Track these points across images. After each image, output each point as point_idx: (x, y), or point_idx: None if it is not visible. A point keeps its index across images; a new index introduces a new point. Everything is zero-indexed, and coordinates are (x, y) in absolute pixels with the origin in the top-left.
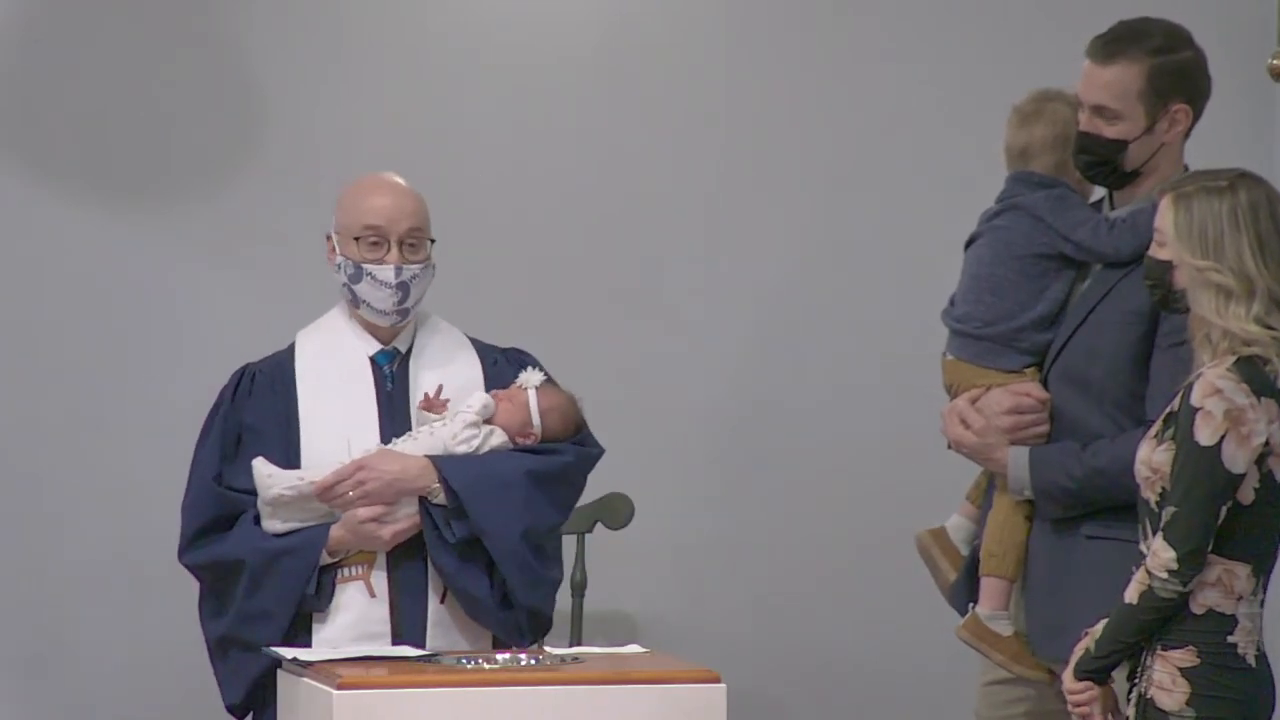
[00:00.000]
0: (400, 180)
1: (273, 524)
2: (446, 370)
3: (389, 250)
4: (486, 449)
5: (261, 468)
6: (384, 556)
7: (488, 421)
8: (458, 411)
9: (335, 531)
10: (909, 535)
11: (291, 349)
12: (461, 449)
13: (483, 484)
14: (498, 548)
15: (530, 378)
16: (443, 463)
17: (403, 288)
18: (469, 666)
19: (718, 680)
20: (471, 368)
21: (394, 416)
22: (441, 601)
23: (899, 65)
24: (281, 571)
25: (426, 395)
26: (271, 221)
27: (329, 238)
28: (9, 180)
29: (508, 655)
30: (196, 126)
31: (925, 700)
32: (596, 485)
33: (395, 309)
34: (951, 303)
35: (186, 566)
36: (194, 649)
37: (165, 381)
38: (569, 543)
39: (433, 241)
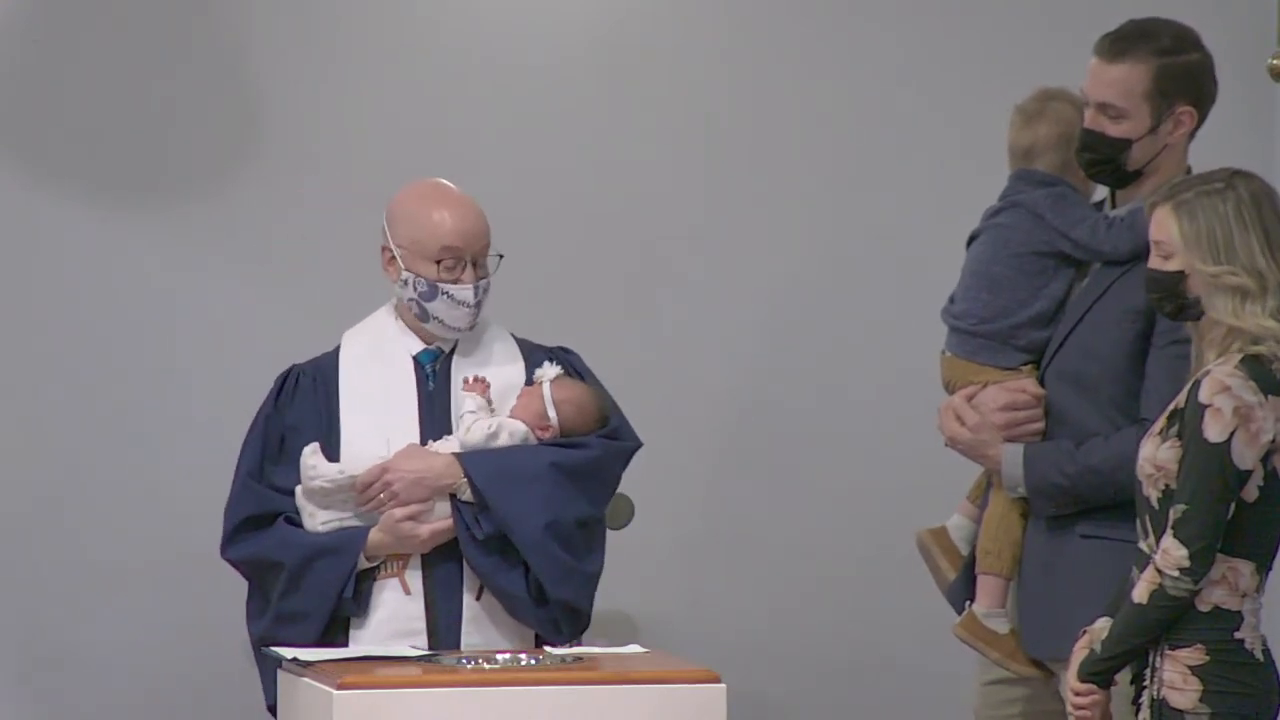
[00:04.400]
0: (459, 191)
1: (312, 514)
2: (488, 369)
3: (465, 269)
4: (505, 438)
5: (308, 456)
6: (419, 554)
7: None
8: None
9: (374, 535)
10: (910, 535)
11: (337, 350)
12: (475, 438)
13: (504, 477)
14: (523, 540)
15: (546, 371)
16: (467, 458)
17: (478, 305)
18: (469, 666)
19: (718, 680)
20: (514, 366)
21: (435, 415)
22: (477, 599)
23: (899, 65)
24: (318, 572)
25: (466, 379)
26: (271, 222)
27: (387, 249)
28: (8, 180)
29: (508, 655)
30: (196, 126)
31: (925, 700)
32: None
33: (468, 325)
34: (951, 300)
35: (229, 561)
36: (199, 650)
37: (166, 381)
38: None
39: (500, 257)
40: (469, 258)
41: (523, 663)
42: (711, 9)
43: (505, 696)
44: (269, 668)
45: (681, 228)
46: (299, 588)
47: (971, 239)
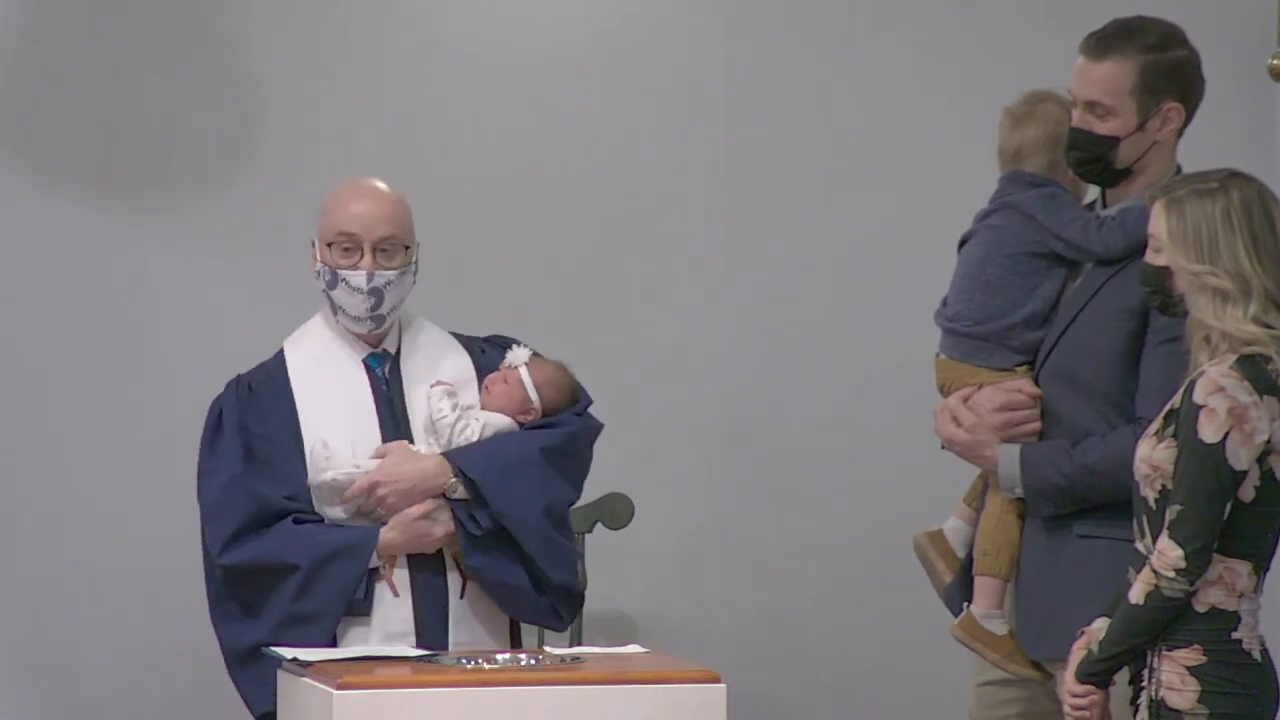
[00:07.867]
0: (382, 185)
1: (324, 509)
2: (437, 367)
3: (362, 256)
4: (490, 433)
5: (320, 449)
6: (405, 555)
7: (482, 407)
8: (441, 415)
9: (386, 535)
10: (910, 536)
11: (280, 358)
12: (462, 440)
13: (497, 467)
14: (522, 528)
15: (518, 355)
16: (456, 455)
17: (375, 294)
18: (469, 666)
19: (718, 680)
20: (460, 360)
21: (393, 418)
22: (461, 597)
23: (898, 66)
24: (334, 572)
25: (440, 381)
26: (271, 222)
27: (314, 244)
28: (8, 179)
29: (507, 655)
30: (196, 126)
31: (924, 700)
32: (596, 485)
33: (369, 315)
34: (944, 302)
35: (227, 566)
36: (194, 650)
37: (165, 381)
38: None
39: (407, 248)
40: (367, 246)
41: (522, 663)
42: (711, 9)
43: (505, 696)
44: (256, 675)
45: (681, 228)
46: (315, 588)
47: (963, 241)
